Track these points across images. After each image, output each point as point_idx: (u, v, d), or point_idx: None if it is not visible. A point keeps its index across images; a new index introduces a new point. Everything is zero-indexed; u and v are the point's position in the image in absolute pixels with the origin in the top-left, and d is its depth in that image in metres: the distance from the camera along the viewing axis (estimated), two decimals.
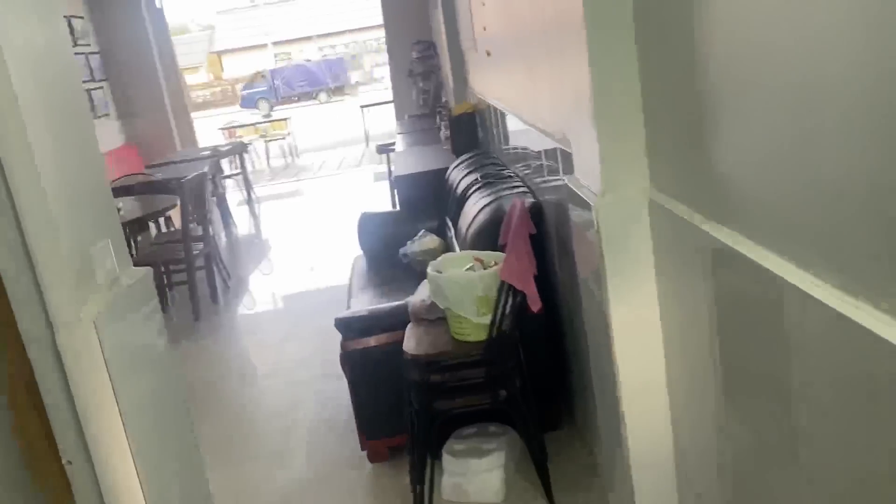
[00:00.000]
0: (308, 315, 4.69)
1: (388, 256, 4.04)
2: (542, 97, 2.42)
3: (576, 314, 2.30)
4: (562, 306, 2.62)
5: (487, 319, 2.23)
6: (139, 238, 6.45)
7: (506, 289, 2.19)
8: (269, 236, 7.35)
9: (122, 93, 9.07)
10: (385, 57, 34.57)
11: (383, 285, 3.61)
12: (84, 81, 8.02)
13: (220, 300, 5.16)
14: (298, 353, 4.09)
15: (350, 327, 2.72)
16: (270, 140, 12.56)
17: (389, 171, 6.56)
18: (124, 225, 4.58)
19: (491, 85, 3.98)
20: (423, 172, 4.48)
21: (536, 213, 2.60)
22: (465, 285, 2.19)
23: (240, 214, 8.33)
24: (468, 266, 2.35)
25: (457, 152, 4.69)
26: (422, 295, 2.56)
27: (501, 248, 2.49)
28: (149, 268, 1.83)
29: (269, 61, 35.71)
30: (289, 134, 12.65)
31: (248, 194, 8.78)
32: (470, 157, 4.09)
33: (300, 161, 12.47)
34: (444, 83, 8.01)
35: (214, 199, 7.32)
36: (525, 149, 3.05)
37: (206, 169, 5.36)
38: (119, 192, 6.19)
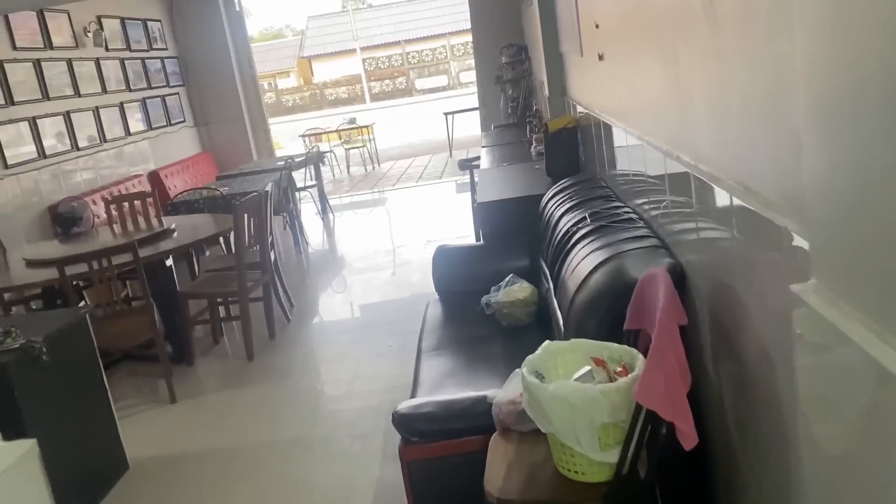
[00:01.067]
0: (376, 356, 4.04)
1: (468, 301, 3.33)
2: (696, 115, 1.65)
3: (750, 447, 1.50)
4: (715, 429, 1.80)
5: (613, 457, 1.48)
6: (205, 254, 5.99)
7: (643, 415, 1.42)
8: (343, 252, 6.76)
9: (198, 99, 8.73)
10: (472, 62, 33.55)
11: (460, 348, 2.89)
12: (158, 87, 7.67)
13: (279, 336, 4.57)
14: (359, 415, 3.43)
15: (412, 427, 2.01)
16: (352, 147, 12.08)
17: (473, 189, 5.86)
18: (177, 249, 4.04)
19: (602, 95, 3.21)
20: (511, 200, 3.75)
21: (677, 281, 1.82)
22: (581, 409, 1.44)
23: (314, 227, 7.81)
24: (583, 372, 1.59)
25: (552, 175, 3.94)
26: (512, 392, 1.82)
27: (628, 338, 1.72)
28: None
29: (357, 66, 35.77)
30: (371, 139, 12.15)
31: (323, 206, 8.26)
32: (572, 185, 3.33)
33: (381, 169, 11.94)
34: (536, 91, 7.24)
35: (285, 215, 6.80)
36: (655, 182, 2.27)
37: (268, 186, 4.79)
38: (180, 207, 5.72)
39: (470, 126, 14.20)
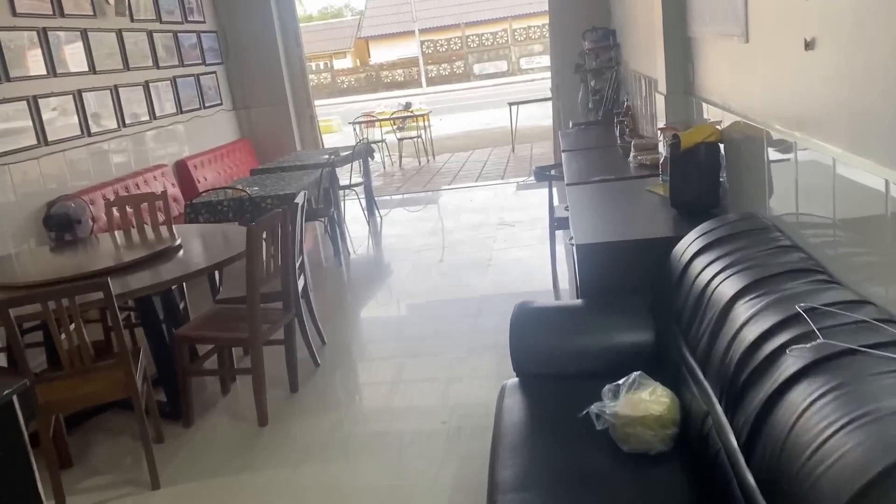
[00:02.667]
0: (426, 437, 3.03)
1: (564, 393, 2.30)
2: None
3: None
4: None
5: None
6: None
7: None
8: (391, 263, 5.77)
9: (238, 80, 7.81)
10: (537, 47, 32.51)
11: (560, 490, 1.85)
12: (191, 64, 6.76)
13: (303, 388, 3.60)
14: None
15: None
16: (405, 137, 11.07)
17: (550, 206, 4.77)
18: (166, 284, 3.07)
19: (787, 99, 2.11)
20: (625, 243, 2.66)
21: None
22: None
23: (359, 230, 6.83)
24: None
25: (679, 206, 2.85)
26: None
27: None
28: None
29: (414, 48, 34.78)
30: (427, 127, 11.11)
31: (370, 207, 7.27)
32: (728, 234, 2.23)
33: (435, 162, 10.91)
34: (628, 84, 6.09)
35: (325, 220, 5.82)
36: None
37: (300, 197, 3.80)
38: (201, 209, 4.80)
39: (534, 116, 13.10)
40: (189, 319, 4.11)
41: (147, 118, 6.22)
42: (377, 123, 11.50)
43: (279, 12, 7.87)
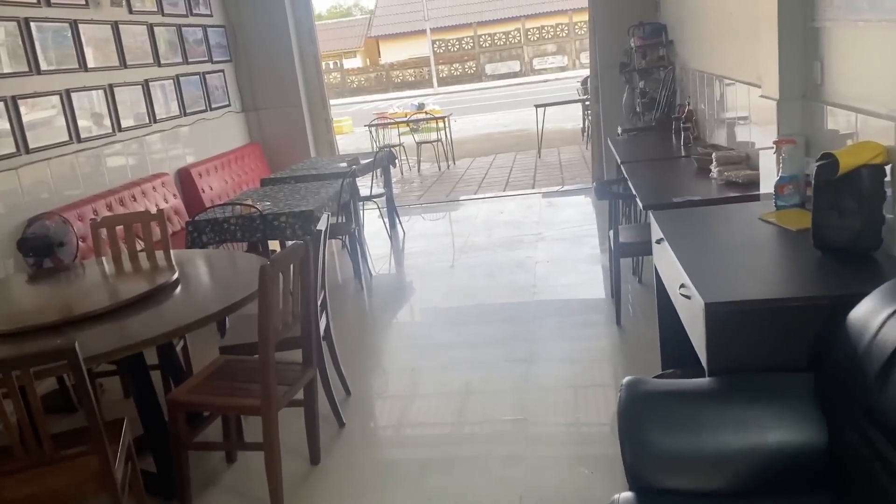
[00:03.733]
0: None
1: None
2: None
3: None
4: None
5: None
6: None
7: None
8: (417, 283, 5.12)
9: (248, 79, 7.16)
10: (550, 47, 31.74)
11: None
12: (196, 62, 6.11)
13: (326, 457, 2.93)
14: None
15: None
16: (424, 141, 10.40)
17: (615, 229, 4.07)
18: (155, 341, 2.40)
19: None
20: (768, 303, 1.97)
21: None
22: None
23: (379, 244, 6.17)
24: None
25: (825, 245, 2.16)
26: None
27: None
28: None
29: (426, 48, 34.13)
30: (446, 128, 10.42)
31: (392, 220, 6.60)
32: None
33: (456, 168, 10.23)
34: (686, 85, 5.41)
35: (344, 238, 5.15)
36: None
37: (322, 222, 3.12)
38: (205, 228, 4.14)
39: (554, 119, 12.45)
40: (187, 367, 3.45)
41: (146, 121, 5.57)
42: (394, 126, 10.83)
43: (293, 6, 7.21)
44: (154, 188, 5.40)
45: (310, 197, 4.72)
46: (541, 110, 10.46)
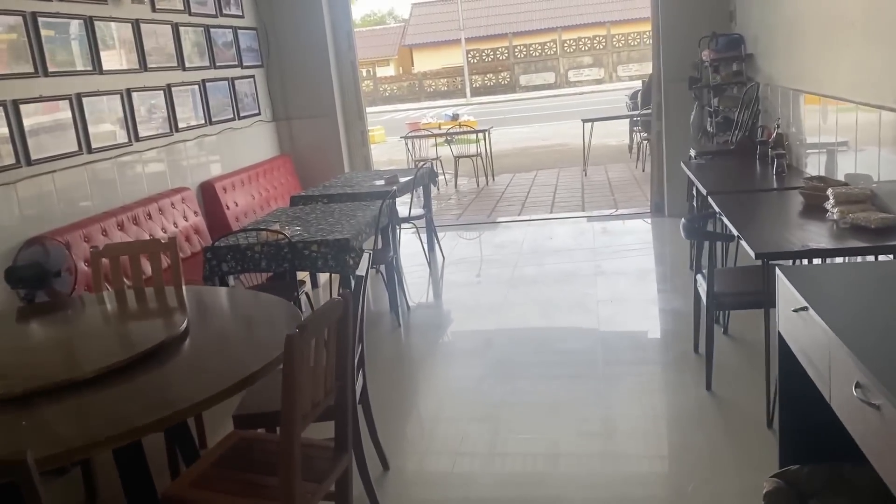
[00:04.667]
0: None
1: None
2: None
3: None
4: None
5: None
6: None
7: None
8: (461, 321, 4.54)
9: (280, 86, 6.66)
10: (587, 59, 31.11)
11: None
12: (225, 66, 5.62)
13: None
14: None
15: None
16: (462, 155, 9.82)
17: (710, 290, 3.45)
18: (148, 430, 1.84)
19: None
20: None
21: None
22: None
23: (416, 270, 5.60)
24: None
25: None
26: None
27: None
28: None
29: (459, 58, 33.68)
30: (484, 139, 9.82)
31: (431, 243, 6.02)
32: None
33: (496, 184, 9.64)
34: (771, 105, 4.77)
35: (380, 269, 4.58)
36: None
37: (361, 267, 2.55)
38: (226, 256, 3.60)
39: (600, 133, 11.87)
40: (199, 435, 2.89)
41: (167, 130, 5.06)
42: (429, 136, 10.26)
43: (331, 10, 6.70)
44: (173, 204, 4.88)
45: (344, 221, 4.15)
46: (587, 125, 9.82)
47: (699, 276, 3.42)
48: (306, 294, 4.09)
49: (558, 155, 12.22)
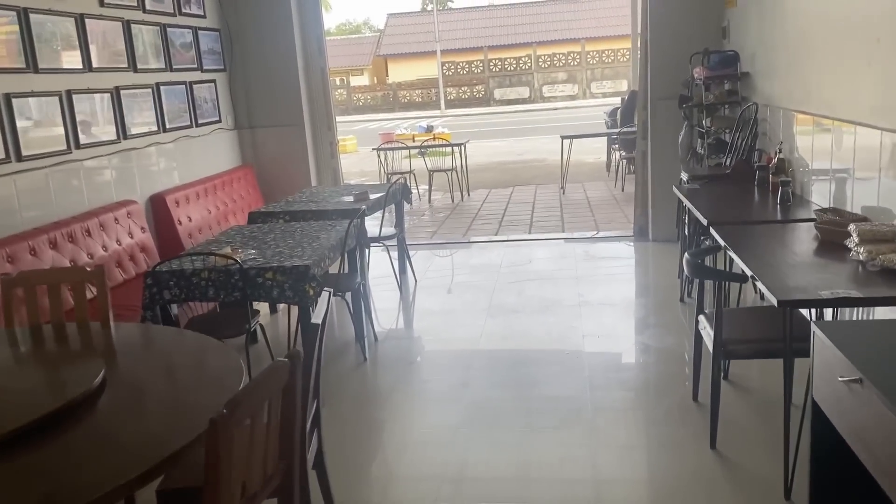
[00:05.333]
0: None
1: None
2: None
3: None
4: None
5: None
6: None
7: None
8: (435, 353, 4.15)
9: (244, 92, 6.21)
10: (561, 75, 31.11)
11: None
12: (183, 69, 5.17)
13: None
14: None
15: None
16: (438, 170, 9.43)
17: (717, 338, 3.09)
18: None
19: None
20: None
21: None
22: None
23: (385, 294, 5.19)
24: None
25: None
26: None
27: None
28: None
29: (434, 70, 33.41)
30: (459, 152, 9.43)
31: (403, 264, 5.61)
32: None
33: (471, 200, 9.26)
34: (770, 127, 4.46)
35: (346, 296, 4.17)
36: None
37: (318, 313, 2.13)
38: (168, 283, 3.16)
39: (576, 149, 11.61)
40: None
41: (114, 137, 4.59)
42: (405, 150, 9.85)
43: (301, 14, 6.28)
44: (117, 219, 4.40)
45: (306, 244, 3.72)
46: (568, 142, 9.50)
47: (702, 318, 3.06)
48: (260, 325, 3.64)
49: (535, 171, 11.90)
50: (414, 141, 12.57)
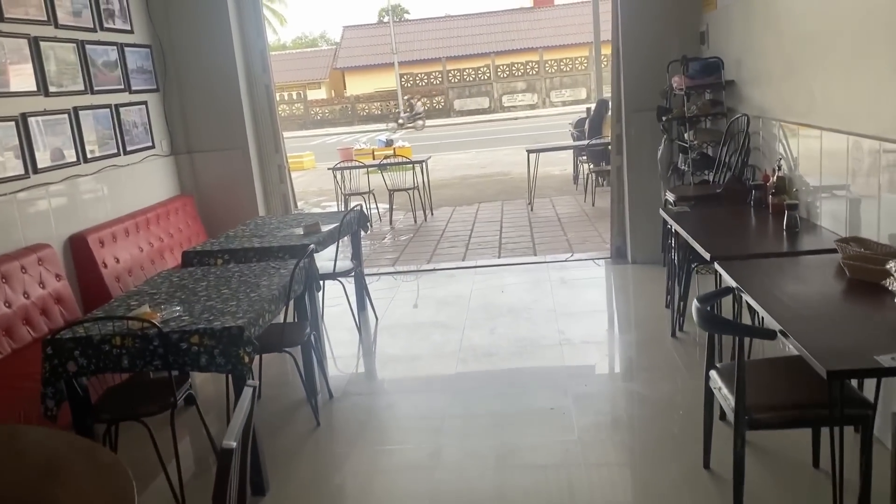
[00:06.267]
0: None
1: None
2: None
3: None
4: None
5: None
6: None
7: None
8: (391, 402, 3.63)
9: (180, 113, 5.62)
10: (520, 84, 30.95)
11: None
12: (107, 90, 4.58)
13: None
14: None
15: None
16: (398, 189, 8.89)
17: (729, 403, 2.60)
18: None
19: None
20: None
21: None
22: None
23: (344, 337, 4.65)
24: None
25: None
26: None
27: None
28: None
29: (393, 81, 32.95)
30: (420, 169, 8.91)
31: (361, 301, 5.07)
32: None
33: (434, 220, 8.76)
34: (763, 143, 4.04)
35: (290, 353, 3.60)
36: None
37: (234, 426, 1.58)
38: (72, 352, 2.59)
39: (542, 161, 11.24)
40: None
41: (21, 171, 3.97)
42: (363, 169, 9.30)
43: (241, 27, 5.71)
44: (24, 268, 3.78)
45: (243, 295, 3.16)
46: (534, 156, 9.06)
47: (715, 375, 2.57)
48: (192, 394, 3.06)
49: (499, 185, 11.45)
50: (374, 156, 12.04)
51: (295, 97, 34.99)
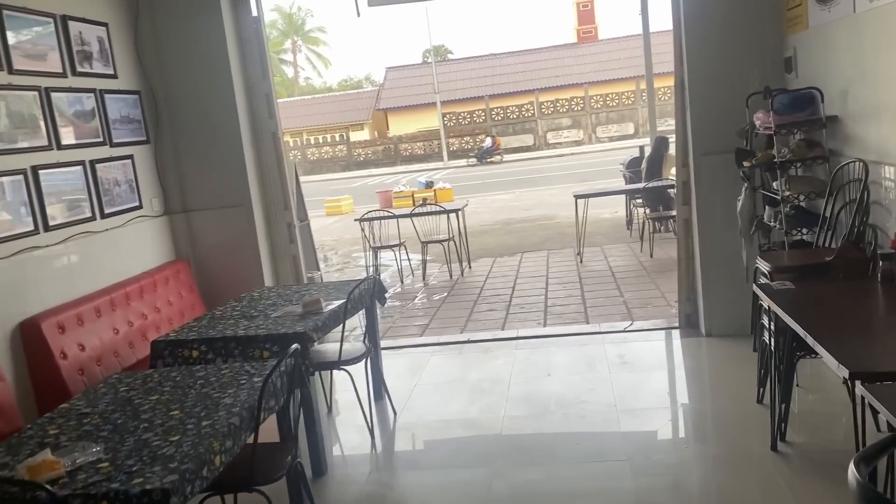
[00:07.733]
0: None
1: None
2: None
3: None
4: None
5: None
6: None
7: None
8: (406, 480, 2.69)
9: (175, 168, 4.91)
10: (565, 121, 29.90)
11: None
12: (79, 146, 3.86)
13: None
14: None
15: None
16: (431, 241, 8.04)
17: None
18: None
19: None
20: None
21: None
22: None
23: (354, 440, 3.78)
24: None
25: None
26: None
27: None
28: None
29: (435, 121, 32.49)
30: (457, 215, 8.05)
31: (378, 391, 4.20)
32: None
33: (472, 274, 7.88)
34: (884, 198, 3.06)
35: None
36: None
37: None
38: None
39: (590, 202, 10.30)
40: None
41: None
42: (393, 217, 8.51)
43: (244, 69, 5.01)
44: None
45: (192, 422, 2.32)
46: (583, 202, 8.14)
47: None
48: None
49: (545, 231, 10.53)
50: (413, 199, 11.25)
51: (338, 139, 34.87)
